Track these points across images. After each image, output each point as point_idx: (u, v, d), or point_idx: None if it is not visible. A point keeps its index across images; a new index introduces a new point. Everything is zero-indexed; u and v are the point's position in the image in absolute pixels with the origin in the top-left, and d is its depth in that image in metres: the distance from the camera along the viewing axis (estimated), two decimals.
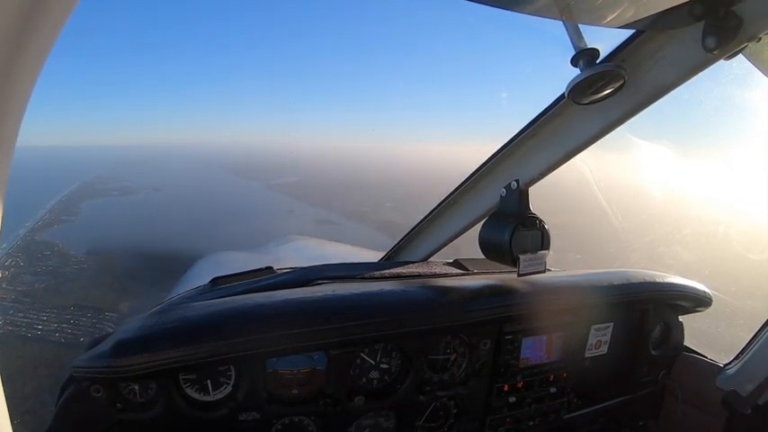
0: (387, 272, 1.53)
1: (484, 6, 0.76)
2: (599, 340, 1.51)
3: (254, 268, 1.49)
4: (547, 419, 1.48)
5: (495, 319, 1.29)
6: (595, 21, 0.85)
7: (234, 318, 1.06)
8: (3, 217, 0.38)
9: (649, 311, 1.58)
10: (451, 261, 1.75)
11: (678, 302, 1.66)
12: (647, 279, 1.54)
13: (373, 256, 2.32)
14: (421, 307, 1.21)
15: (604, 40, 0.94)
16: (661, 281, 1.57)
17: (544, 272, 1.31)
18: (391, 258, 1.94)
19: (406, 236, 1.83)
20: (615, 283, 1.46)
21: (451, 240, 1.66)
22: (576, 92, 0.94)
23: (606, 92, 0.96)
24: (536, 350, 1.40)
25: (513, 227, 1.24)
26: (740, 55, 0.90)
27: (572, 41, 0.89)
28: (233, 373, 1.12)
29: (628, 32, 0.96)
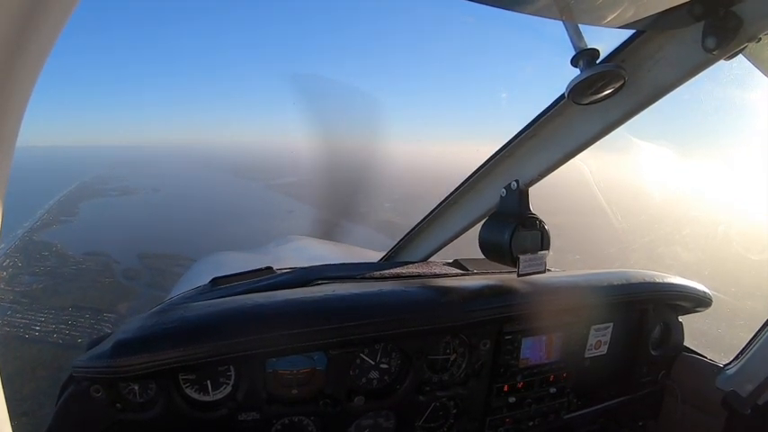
0: (387, 272, 1.53)
1: (484, 6, 0.76)
2: (599, 340, 1.51)
3: (253, 268, 1.49)
4: (547, 419, 1.48)
5: (495, 319, 1.29)
6: (595, 21, 0.85)
7: (234, 318, 1.06)
8: (2, 217, 0.37)
9: (649, 312, 1.58)
10: (451, 261, 1.75)
11: (678, 303, 1.66)
12: (647, 279, 1.55)
13: (373, 256, 2.32)
14: (421, 307, 1.21)
15: (604, 40, 0.94)
16: (661, 281, 1.57)
17: (544, 272, 1.31)
18: (391, 258, 1.94)
19: (405, 236, 1.83)
20: (615, 283, 1.46)
21: (451, 240, 1.66)
22: (576, 92, 0.94)
23: (606, 92, 0.95)
24: (536, 350, 1.40)
25: (513, 227, 1.24)
26: (740, 55, 0.90)
27: (572, 41, 0.89)
28: (233, 373, 1.12)
29: (628, 32, 0.96)
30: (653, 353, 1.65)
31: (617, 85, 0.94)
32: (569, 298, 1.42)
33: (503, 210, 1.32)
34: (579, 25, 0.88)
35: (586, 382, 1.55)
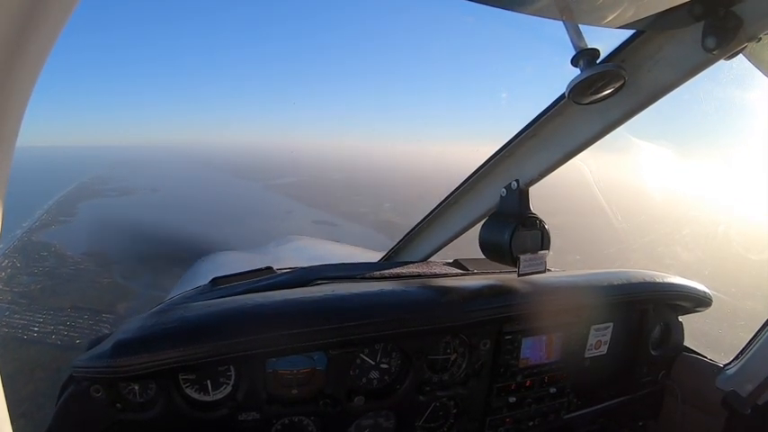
0: (386, 272, 1.53)
1: (484, 6, 0.75)
2: (599, 340, 1.51)
3: (253, 268, 1.49)
4: (547, 419, 1.48)
5: (495, 319, 1.29)
6: (595, 21, 0.85)
7: (234, 318, 1.06)
8: (2, 217, 0.37)
9: (649, 312, 1.58)
10: (451, 261, 1.75)
11: (678, 303, 1.66)
12: (647, 279, 1.55)
13: (373, 256, 2.32)
14: (421, 307, 1.21)
15: (604, 40, 0.94)
16: (661, 281, 1.57)
17: (544, 272, 1.31)
18: (391, 258, 1.94)
19: (405, 236, 1.83)
20: (615, 283, 1.46)
21: (451, 240, 1.66)
22: (577, 92, 0.94)
23: (606, 92, 0.96)
24: (536, 350, 1.40)
25: (513, 227, 1.24)
26: (740, 55, 0.90)
27: (572, 41, 0.89)
28: (233, 373, 1.12)
29: (628, 32, 0.96)
30: (653, 353, 1.65)
31: (617, 85, 0.94)
32: (569, 298, 1.42)
33: (503, 210, 1.32)
34: (579, 25, 0.88)
35: (586, 382, 1.55)
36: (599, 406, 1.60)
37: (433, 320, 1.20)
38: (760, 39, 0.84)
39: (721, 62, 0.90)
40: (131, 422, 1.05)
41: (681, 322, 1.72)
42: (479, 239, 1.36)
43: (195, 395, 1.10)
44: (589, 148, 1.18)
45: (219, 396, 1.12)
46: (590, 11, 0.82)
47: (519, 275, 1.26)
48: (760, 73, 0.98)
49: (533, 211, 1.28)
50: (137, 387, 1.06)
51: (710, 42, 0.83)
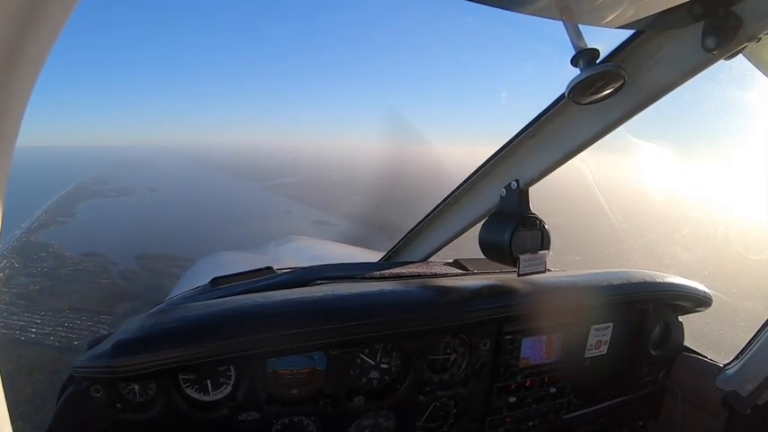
0: (386, 272, 1.53)
1: (484, 6, 0.75)
2: (599, 340, 1.51)
3: (253, 268, 1.49)
4: (547, 419, 1.48)
5: (495, 319, 1.29)
6: (595, 21, 0.85)
7: (233, 318, 1.06)
8: (2, 217, 0.37)
9: (649, 312, 1.58)
10: (451, 261, 1.75)
11: (678, 302, 1.66)
12: (647, 279, 1.55)
13: (373, 256, 2.32)
14: (421, 307, 1.21)
15: (604, 40, 0.94)
16: (661, 281, 1.58)
17: (544, 272, 1.31)
18: (391, 258, 1.94)
19: (405, 236, 1.83)
20: (615, 283, 1.46)
21: (451, 240, 1.66)
22: (576, 92, 0.94)
23: (606, 92, 0.96)
24: (536, 350, 1.40)
25: (513, 227, 1.24)
26: (740, 55, 0.90)
27: (572, 41, 0.89)
28: (233, 373, 1.12)
29: (628, 32, 0.96)
30: (653, 353, 1.65)
31: (617, 84, 0.94)
32: (569, 298, 1.42)
33: (503, 210, 1.32)
34: (579, 25, 0.88)
35: (586, 382, 1.55)
36: (599, 406, 1.60)
37: (433, 320, 1.20)
38: (760, 39, 0.84)
39: (721, 62, 0.90)
40: (131, 422, 1.05)
41: (681, 322, 1.72)
42: (479, 239, 1.36)
43: (195, 395, 1.10)
44: (589, 148, 1.18)
45: (219, 396, 1.12)
46: (590, 11, 0.82)
47: (519, 275, 1.26)
48: (760, 73, 0.98)
49: (533, 211, 1.29)
50: (137, 387, 1.06)
51: (710, 42, 0.84)
